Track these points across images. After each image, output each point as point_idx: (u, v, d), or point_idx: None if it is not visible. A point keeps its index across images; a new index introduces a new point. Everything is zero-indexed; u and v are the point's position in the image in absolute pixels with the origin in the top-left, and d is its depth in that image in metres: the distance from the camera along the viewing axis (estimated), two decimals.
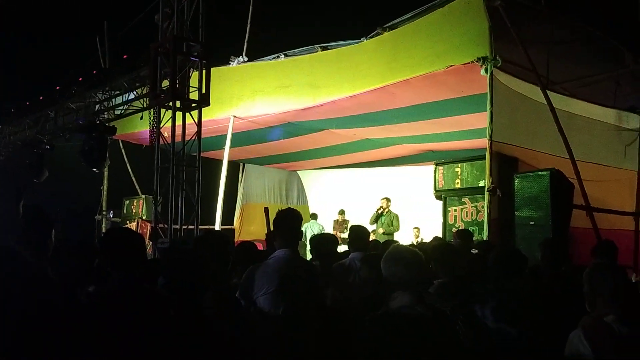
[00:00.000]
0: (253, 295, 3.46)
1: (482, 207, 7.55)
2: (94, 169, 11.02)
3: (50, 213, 3.18)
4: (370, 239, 6.07)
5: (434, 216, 9.74)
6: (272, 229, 3.83)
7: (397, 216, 11.82)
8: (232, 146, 10.73)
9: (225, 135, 10.55)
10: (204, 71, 8.63)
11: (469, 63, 7.15)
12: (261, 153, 14.30)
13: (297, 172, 17.47)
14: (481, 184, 7.84)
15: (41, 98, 12.08)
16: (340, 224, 13.57)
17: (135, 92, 10.08)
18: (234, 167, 15.55)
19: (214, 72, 9.01)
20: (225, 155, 10.70)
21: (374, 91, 8.50)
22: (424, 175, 10.88)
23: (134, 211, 14.38)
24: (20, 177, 11.85)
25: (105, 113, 10.84)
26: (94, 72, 10.86)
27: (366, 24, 8.95)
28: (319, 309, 3.72)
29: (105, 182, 14.71)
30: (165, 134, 8.69)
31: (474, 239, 6.83)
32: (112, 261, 2.76)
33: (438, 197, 8.97)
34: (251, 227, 15.47)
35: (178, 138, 8.62)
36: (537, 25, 7.97)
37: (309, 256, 6.61)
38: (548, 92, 7.14)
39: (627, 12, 9.60)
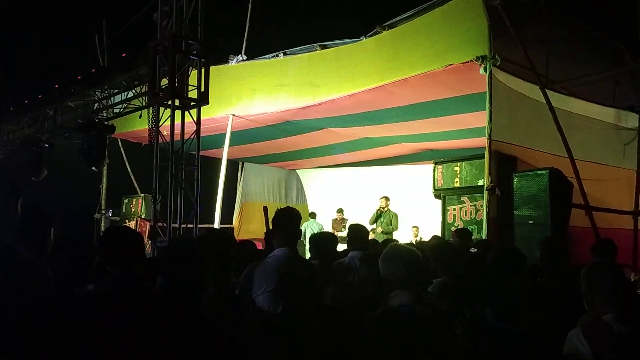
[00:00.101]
0: (252, 294, 3.46)
1: (481, 206, 7.55)
2: (93, 168, 11.00)
3: (49, 212, 3.19)
4: (369, 238, 6.06)
5: (433, 215, 9.74)
6: (271, 227, 3.83)
7: (396, 215, 11.82)
8: (231, 145, 10.73)
9: (224, 133, 10.55)
10: (202, 70, 8.63)
11: (468, 62, 7.16)
12: (260, 152, 14.30)
13: (296, 170, 17.46)
14: (480, 182, 7.84)
15: (40, 96, 12.07)
16: (339, 222, 13.56)
17: (134, 91, 10.07)
18: (233, 165, 15.55)
19: (213, 71, 9.01)
20: (224, 154, 10.70)
21: (373, 90, 8.50)
22: (423, 174, 10.87)
23: (133, 210, 14.38)
24: (19, 175, 11.85)
25: (104, 111, 10.83)
26: (93, 70, 10.85)
27: (365, 23, 8.96)
28: (318, 308, 3.72)
29: (104, 180, 14.69)
30: (164, 133, 8.69)
31: (473, 237, 6.83)
32: (110, 260, 2.76)
33: (437, 196, 8.97)
34: (250, 226, 15.46)
35: (177, 136, 8.61)
36: (536, 24, 7.97)
37: (308, 255, 6.61)
38: (547, 91, 7.14)
39: (626, 11, 9.60)
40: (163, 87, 8.66)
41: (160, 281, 2.92)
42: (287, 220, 3.70)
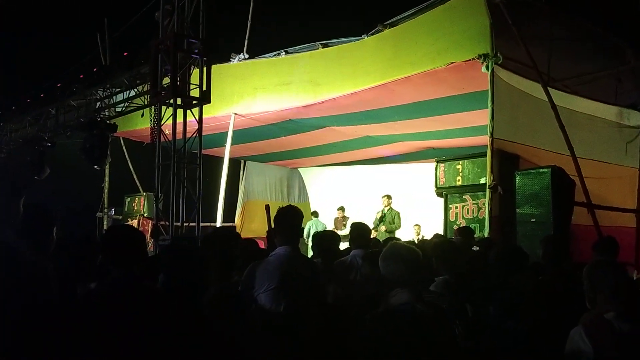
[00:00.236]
0: (254, 293, 3.47)
1: (484, 204, 7.55)
2: (95, 167, 11.00)
3: (52, 211, 3.19)
4: (372, 237, 6.06)
5: (435, 213, 9.73)
6: (273, 226, 3.84)
7: (398, 214, 11.81)
8: (233, 143, 10.73)
9: (226, 132, 10.55)
10: (204, 68, 8.62)
11: (470, 60, 7.15)
12: (262, 150, 14.30)
13: (298, 169, 17.46)
14: (482, 181, 7.83)
15: (42, 95, 12.07)
16: (340, 220, 13.55)
17: (136, 90, 10.07)
18: (235, 164, 15.55)
19: (215, 69, 9.01)
20: (226, 153, 10.70)
21: (374, 88, 8.50)
22: (425, 172, 10.85)
23: (136, 208, 14.39)
24: (22, 174, 11.86)
25: (106, 110, 10.83)
26: (95, 69, 10.86)
27: (367, 21, 8.96)
28: (320, 306, 3.72)
29: (107, 179, 14.69)
30: (166, 131, 8.69)
31: (475, 236, 6.83)
32: (113, 258, 2.76)
33: (439, 195, 8.96)
34: (252, 225, 15.45)
35: (179, 135, 8.61)
36: (538, 22, 7.96)
37: (310, 254, 6.61)
38: (549, 89, 7.12)
39: (627, 9, 9.58)
40: (165, 85, 8.66)
41: (162, 280, 2.93)
42: (289, 219, 3.70)
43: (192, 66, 8.73)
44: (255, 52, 10.63)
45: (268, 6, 12.53)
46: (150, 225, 11.04)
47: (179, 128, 8.63)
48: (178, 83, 8.35)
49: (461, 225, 8.05)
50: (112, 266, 2.73)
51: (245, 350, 3.01)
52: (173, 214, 8.58)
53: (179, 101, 8.63)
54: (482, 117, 7.72)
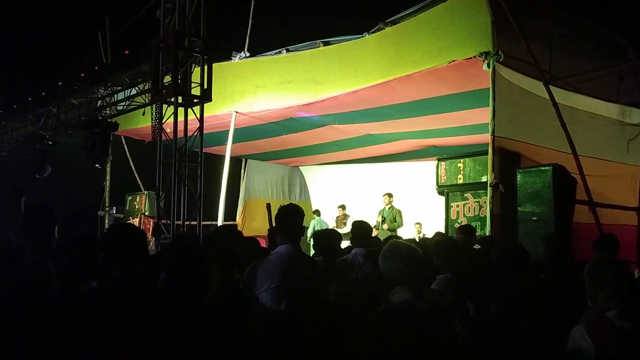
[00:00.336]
0: (255, 291, 3.47)
1: (485, 202, 7.55)
2: (97, 165, 11.01)
3: (53, 209, 3.19)
4: (373, 235, 6.06)
5: (436, 212, 9.74)
6: (274, 224, 3.84)
7: (400, 212, 11.82)
8: (234, 142, 10.73)
9: (228, 130, 10.55)
10: (205, 67, 8.63)
11: (471, 58, 7.15)
12: (263, 149, 14.30)
13: (300, 167, 17.46)
14: (484, 179, 7.83)
15: (43, 94, 12.07)
16: (341, 219, 13.55)
17: (137, 88, 10.07)
18: (236, 162, 15.56)
19: (216, 68, 9.02)
20: (228, 151, 10.71)
21: (376, 86, 8.49)
22: (427, 170, 10.85)
23: (137, 207, 14.41)
24: (23, 173, 11.88)
25: (107, 109, 10.83)
26: (96, 68, 10.85)
27: (368, 19, 8.94)
28: (321, 305, 3.72)
29: (108, 178, 14.70)
30: (168, 130, 8.70)
31: (476, 234, 6.83)
32: (114, 257, 2.76)
33: (440, 193, 8.96)
34: (254, 223, 15.47)
35: (180, 134, 8.61)
36: (539, 20, 7.94)
37: (312, 252, 6.61)
38: (551, 87, 7.11)
39: (629, 7, 9.56)
40: (166, 84, 8.66)
41: (164, 278, 2.93)
42: (290, 217, 3.71)
43: (193, 64, 8.73)
44: (256, 51, 10.63)
45: (268, 6, 12.53)
46: (151, 223, 11.04)
47: (180, 126, 8.63)
48: (179, 81, 8.35)
49: (462, 224, 8.05)
50: (114, 265, 2.73)
51: (247, 348, 3.01)
52: (174, 212, 8.58)
53: (180, 99, 8.63)
54: (483, 115, 7.71)
